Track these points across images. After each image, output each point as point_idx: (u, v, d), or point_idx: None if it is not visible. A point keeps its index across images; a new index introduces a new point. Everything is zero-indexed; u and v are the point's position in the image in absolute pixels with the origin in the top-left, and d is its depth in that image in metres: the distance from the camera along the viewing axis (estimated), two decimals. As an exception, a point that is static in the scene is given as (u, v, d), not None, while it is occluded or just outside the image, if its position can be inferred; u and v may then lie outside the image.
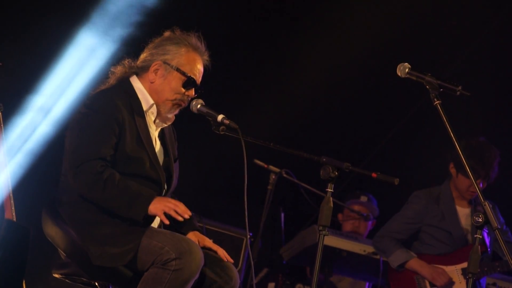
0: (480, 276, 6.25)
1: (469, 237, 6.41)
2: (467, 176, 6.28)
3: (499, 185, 6.48)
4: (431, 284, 6.34)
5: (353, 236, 7.47)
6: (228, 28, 7.57)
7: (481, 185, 6.31)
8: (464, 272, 6.27)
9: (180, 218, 4.16)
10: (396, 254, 6.35)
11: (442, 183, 6.54)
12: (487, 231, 6.25)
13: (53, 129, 6.30)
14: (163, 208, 4.15)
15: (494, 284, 6.52)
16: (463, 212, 6.45)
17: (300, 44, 8.05)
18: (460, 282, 6.30)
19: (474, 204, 6.48)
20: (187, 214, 4.17)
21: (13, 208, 4.75)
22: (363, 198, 7.91)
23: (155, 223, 4.36)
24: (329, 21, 7.94)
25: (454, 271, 6.32)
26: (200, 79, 4.46)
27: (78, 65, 6.30)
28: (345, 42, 7.94)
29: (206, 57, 4.50)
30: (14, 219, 4.71)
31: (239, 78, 7.88)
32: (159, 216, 4.18)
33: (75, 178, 4.18)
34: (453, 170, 6.42)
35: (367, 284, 7.72)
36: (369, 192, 8.02)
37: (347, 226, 7.92)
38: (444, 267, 6.34)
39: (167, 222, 4.16)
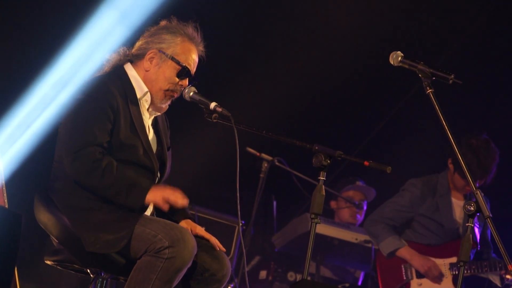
0: (466, 274, 6.24)
1: (461, 230, 6.41)
2: (463, 177, 6.26)
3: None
4: (418, 274, 6.35)
5: (345, 224, 7.47)
6: (221, 17, 7.55)
7: (477, 184, 6.32)
8: (452, 267, 6.28)
9: (179, 204, 4.17)
10: (388, 240, 6.35)
11: (440, 172, 6.53)
12: (477, 226, 6.25)
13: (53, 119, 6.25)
14: (162, 195, 4.16)
15: None
16: (457, 204, 6.45)
17: (293, 32, 8.03)
18: (447, 277, 6.31)
19: (469, 197, 6.47)
20: (185, 200, 4.18)
21: (5, 194, 4.74)
22: (359, 183, 7.89)
23: (148, 211, 4.37)
24: (322, 9, 7.93)
25: (442, 264, 6.33)
26: (194, 69, 4.46)
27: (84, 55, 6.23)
28: (338, 30, 7.94)
29: (201, 47, 4.50)
30: (6, 206, 4.70)
31: (232, 66, 7.87)
32: (157, 203, 4.18)
33: (73, 164, 4.17)
34: (451, 166, 6.43)
35: (362, 273, 7.73)
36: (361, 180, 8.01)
37: (344, 216, 7.88)
38: (433, 259, 6.35)
39: (166, 207, 4.17)
